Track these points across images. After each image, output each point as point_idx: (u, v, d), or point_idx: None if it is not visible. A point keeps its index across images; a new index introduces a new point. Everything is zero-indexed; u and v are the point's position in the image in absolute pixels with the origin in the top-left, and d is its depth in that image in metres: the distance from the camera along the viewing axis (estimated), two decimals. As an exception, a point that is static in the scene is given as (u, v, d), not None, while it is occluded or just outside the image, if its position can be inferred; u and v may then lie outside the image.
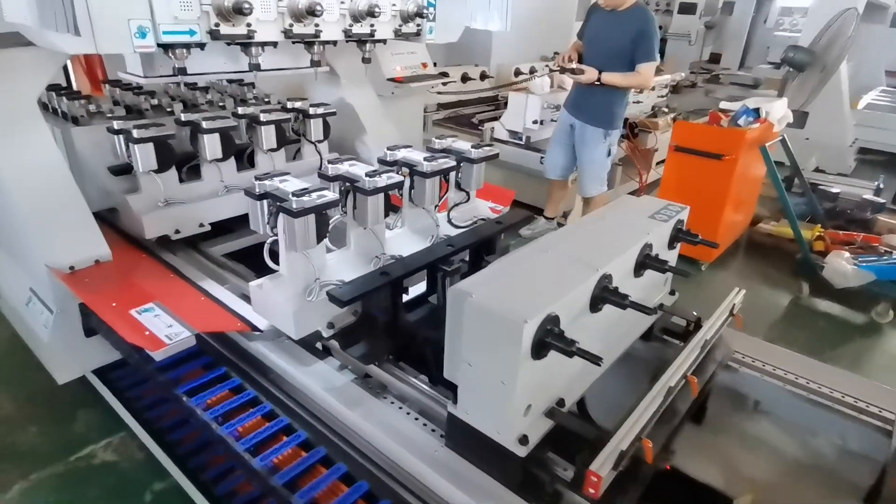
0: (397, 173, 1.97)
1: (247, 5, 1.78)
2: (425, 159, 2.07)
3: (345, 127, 3.27)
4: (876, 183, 5.01)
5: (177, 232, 2.48)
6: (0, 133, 2.06)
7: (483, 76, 5.97)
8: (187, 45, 1.81)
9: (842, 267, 3.43)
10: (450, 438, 1.50)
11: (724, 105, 3.92)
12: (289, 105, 2.94)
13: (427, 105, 5.31)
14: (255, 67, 2.10)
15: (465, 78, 5.83)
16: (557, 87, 4.60)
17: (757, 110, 3.56)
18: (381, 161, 2.15)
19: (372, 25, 2.34)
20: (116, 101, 2.87)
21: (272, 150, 2.77)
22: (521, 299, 1.25)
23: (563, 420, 1.37)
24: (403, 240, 2.19)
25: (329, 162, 1.96)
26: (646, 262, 1.66)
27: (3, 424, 2.36)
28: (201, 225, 2.57)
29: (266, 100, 3.31)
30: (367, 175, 1.84)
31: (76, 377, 2.29)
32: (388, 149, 2.18)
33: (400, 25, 2.49)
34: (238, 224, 2.70)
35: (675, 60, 9.49)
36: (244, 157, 2.88)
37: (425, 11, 2.28)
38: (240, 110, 2.73)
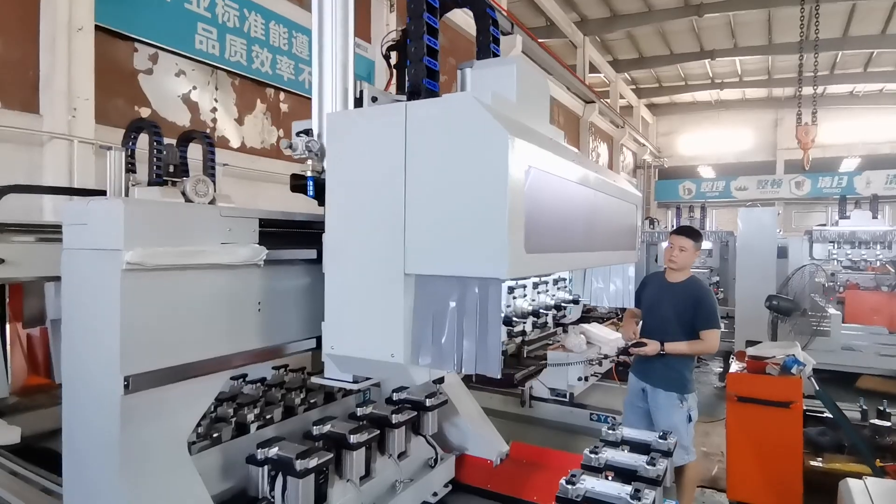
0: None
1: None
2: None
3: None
4: (859, 406, 5.22)
5: (323, 583, 1.98)
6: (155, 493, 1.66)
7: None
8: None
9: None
10: None
11: (753, 352, 4.24)
12: (395, 397, 2.75)
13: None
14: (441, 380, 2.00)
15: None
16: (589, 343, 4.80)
17: (793, 357, 3.88)
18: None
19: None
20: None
21: (401, 454, 2.49)
22: None
23: None
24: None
25: (567, 483, 1.76)
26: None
27: None
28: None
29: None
30: None
31: None
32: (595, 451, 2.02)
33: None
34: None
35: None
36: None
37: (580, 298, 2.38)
38: (358, 411, 2.49)
